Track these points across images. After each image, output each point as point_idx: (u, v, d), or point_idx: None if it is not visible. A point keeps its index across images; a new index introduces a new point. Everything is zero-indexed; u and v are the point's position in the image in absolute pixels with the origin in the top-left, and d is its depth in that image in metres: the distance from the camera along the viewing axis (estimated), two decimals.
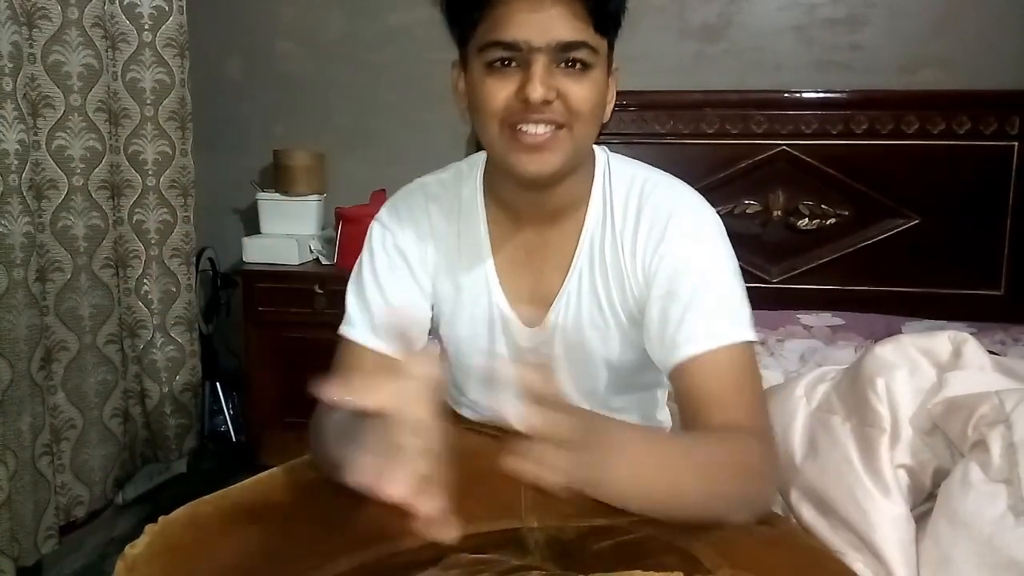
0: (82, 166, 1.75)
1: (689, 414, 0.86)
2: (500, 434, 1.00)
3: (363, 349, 0.93)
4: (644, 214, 0.89)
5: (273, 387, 2.14)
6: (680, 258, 0.87)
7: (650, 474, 0.74)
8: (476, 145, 2.08)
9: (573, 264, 0.92)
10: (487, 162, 0.95)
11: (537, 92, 0.79)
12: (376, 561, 0.89)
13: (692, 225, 0.89)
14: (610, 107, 0.89)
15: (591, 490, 0.69)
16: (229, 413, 2.32)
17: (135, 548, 0.83)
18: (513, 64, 0.81)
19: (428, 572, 0.94)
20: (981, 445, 0.79)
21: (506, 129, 0.82)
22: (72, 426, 1.77)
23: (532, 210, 0.92)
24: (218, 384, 2.31)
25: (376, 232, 0.96)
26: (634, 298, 0.90)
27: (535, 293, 0.94)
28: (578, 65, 0.81)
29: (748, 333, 0.85)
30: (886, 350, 0.93)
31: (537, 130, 0.81)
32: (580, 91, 0.82)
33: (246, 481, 0.95)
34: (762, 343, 1.81)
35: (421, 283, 0.95)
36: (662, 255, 0.88)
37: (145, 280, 1.94)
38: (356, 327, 0.94)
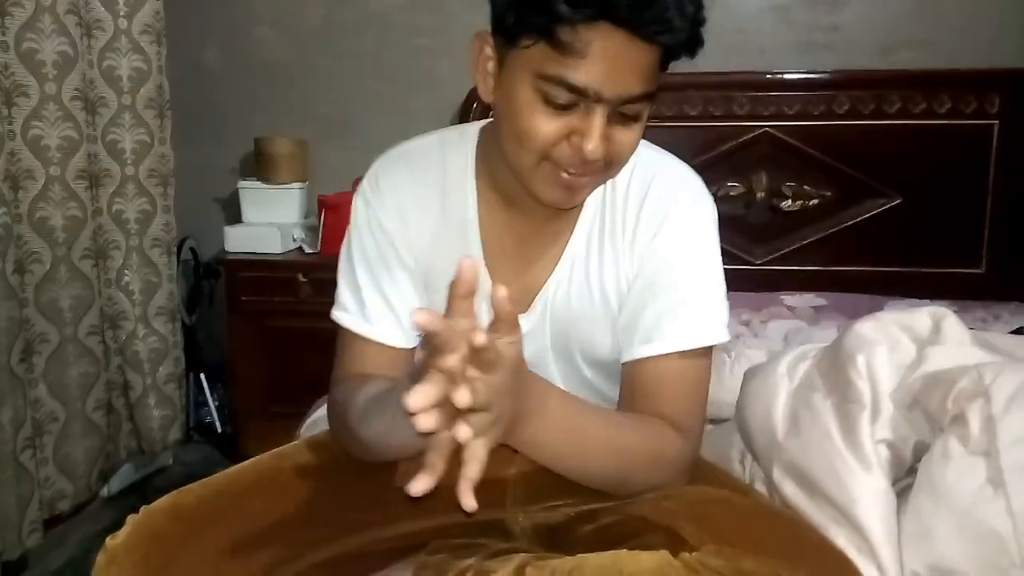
0: (59, 156, 1.73)
1: (628, 399, 0.88)
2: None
3: (355, 336, 0.91)
4: (648, 198, 0.87)
5: (258, 377, 2.13)
6: (671, 253, 0.86)
7: (560, 440, 0.77)
8: None
9: (566, 252, 0.90)
10: (486, 143, 0.90)
11: (597, 152, 0.76)
12: (360, 548, 0.89)
13: (690, 219, 0.88)
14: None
15: (502, 440, 0.70)
16: (214, 404, 2.31)
17: (116, 539, 0.82)
18: (573, 105, 0.75)
19: (414, 558, 0.94)
20: (960, 419, 0.80)
21: (546, 163, 0.79)
22: (54, 419, 1.75)
23: (530, 206, 0.87)
24: (202, 375, 2.30)
25: (360, 209, 0.92)
26: (627, 283, 0.89)
27: (524, 279, 0.91)
28: (632, 116, 0.78)
29: (720, 335, 0.86)
30: (866, 327, 0.94)
31: (579, 176, 0.79)
32: (627, 140, 0.79)
33: (229, 469, 0.94)
34: (745, 324, 1.82)
35: (407, 263, 0.91)
36: (655, 247, 0.87)
37: (126, 271, 1.93)
38: (349, 313, 0.91)
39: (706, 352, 0.88)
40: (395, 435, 0.75)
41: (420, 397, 0.58)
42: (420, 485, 0.64)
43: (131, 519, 0.84)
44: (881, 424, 0.85)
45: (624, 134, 0.78)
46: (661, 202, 0.87)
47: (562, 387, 0.93)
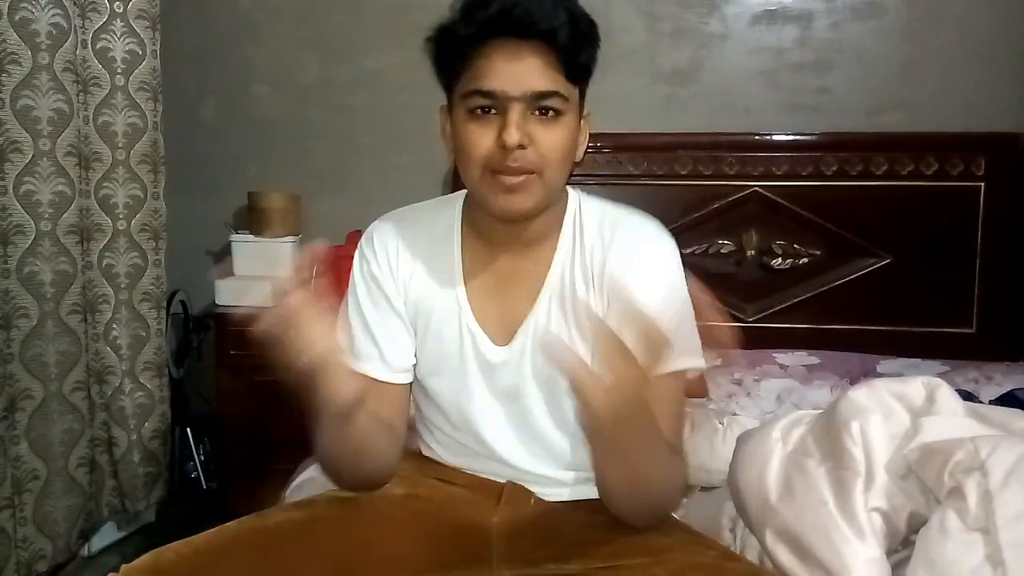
0: (50, 211, 1.73)
1: None
2: (468, 484, 1.01)
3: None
4: (615, 242, 0.96)
5: (246, 432, 2.10)
6: (642, 283, 0.90)
7: (630, 452, 0.82)
8: (453, 186, 2.09)
9: (543, 290, 0.97)
10: (468, 197, 1.01)
11: (512, 137, 0.86)
12: None
13: (658, 258, 0.96)
14: (582, 148, 0.97)
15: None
16: (200, 459, 2.27)
17: None
18: (492, 111, 0.88)
19: None
20: (957, 492, 0.79)
21: (487, 173, 0.89)
22: (35, 477, 1.71)
23: (507, 240, 0.97)
24: (188, 430, 2.26)
25: (356, 262, 1.02)
26: (601, 315, 0.93)
27: (504, 315, 0.98)
28: (550, 112, 0.89)
29: (697, 361, 0.93)
30: (860, 394, 0.93)
31: (514, 179, 0.89)
32: (551, 138, 0.89)
33: (211, 530, 0.93)
34: (738, 383, 1.81)
35: (398, 309, 0.99)
36: (629, 278, 0.93)
37: (114, 325, 1.91)
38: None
39: (681, 376, 0.92)
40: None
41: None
42: None
43: None
44: (875, 492, 0.84)
45: (546, 133, 0.89)
46: (627, 244, 0.96)
47: (542, 414, 0.98)
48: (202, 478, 2.25)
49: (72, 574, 1.83)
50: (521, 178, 0.89)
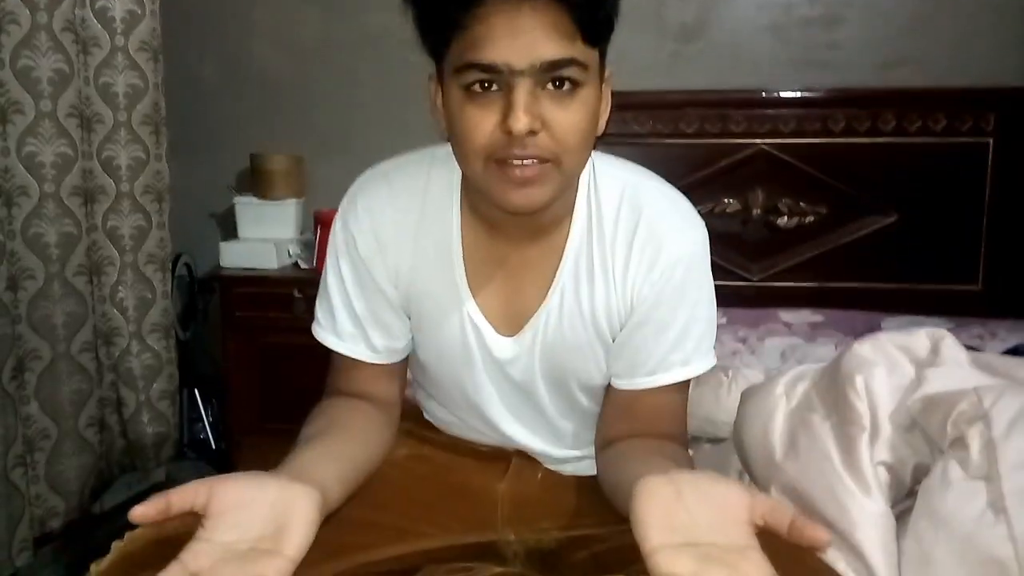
0: (53, 172, 1.72)
1: (623, 420, 0.88)
2: (474, 454, 0.99)
3: (332, 350, 0.92)
4: (639, 231, 0.84)
5: (253, 393, 2.12)
6: (669, 288, 0.85)
7: None
8: None
9: (555, 282, 0.87)
10: (464, 175, 0.86)
11: (520, 123, 0.70)
12: (352, 571, 0.87)
13: (686, 250, 0.85)
14: (605, 119, 0.81)
15: None
16: (208, 420, 2.29)
17: (100, 565, 0.81)
18: (494, 87, 0.72)
19: None
20: (960, 442, 0.79)
21: (491, 164, 0.74)
22: (46, 436, 1.74)
23: (512, 229, 0.85)
24: (197, 391, 2.28)
25: (338, 230, 0.90)
26: (619, 317, 0.87)
27: (513, 309, 0.89)
28: (566, 85, 0.73)
29: (709, 361, 0.87)
30: (864, 348, 0.93)
31: (524, 171, 0.73)
32: (568, 119, 0.73)
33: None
34: (742, 341, 1.81)
35: (387, 293, 0.89)
36: (652, 281, 0.84)
37: (120, 287, 1.91)
38: (323, 328, 0.92)
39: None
40: None
41: None
42: None
43: (115, 545, 0.82)
44: (880, 446, 0.84)
45: (562, 112, 0.73)
46: (653, 234, 0.84)
47: (549, 411, 0.94)
48: (211, 438, 2.28)
49: (84, 531, 1.86)
50: (534, 168, 0.73)
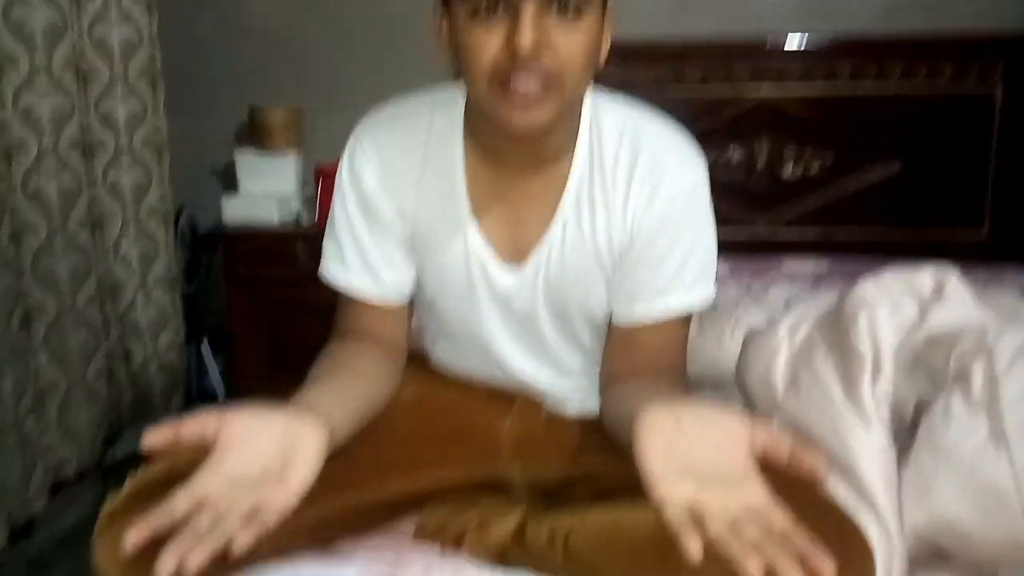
0: (51, 126, 1.72)
1: (622, 355, 0.90)
2: (479, 394, 1.00)
3: (341, 290, 0.94)
4: (639, 165, 0.86)
5: (259, 347, 2.14)
6: (668, 220, 0.86)
7: None
8: None
9: (558, 213, 0.88)
10: (469, 105, 0.90)
11: (526, 41, 0.73)
12: (359, 505, 0.89)
13: (685, 183, 0.87)
14: (605, 50, 0.84)
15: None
16: (216, 373, 2.31)
17: (115, 500, 0.83)
18: (500, 10, 0.75)
19: (414, 516, 0.95)
20: (963, 377, 0.80)
21: (495, 85, 0.77)
22: (56, 387, 1.76)
23: (516, 159, 0.88)
24: (204, 345, 2.30)
25: (344, 168, 0.93)
26: (619, 247, 0.89)
27: (516, 241, 0.91)
28: (571, 11, 0.75)
29: (708, 291, 0.89)
30: (868, 287, 0.93)
31: (528, 87, 0.76)
32: (572, 43, 0.76)
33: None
34: (746, 289, 1.81)
35: (393, 230, 0.92)
36: (651, 213, 0.86)
37: (123, 241, 1.92)
38: (330, 267, 0.94)
39: (691, 314, 0.91)
40: None
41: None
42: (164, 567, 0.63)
43: (130, 480, 0.84)
44: (882, 383, 0.85)
45: (566, 36, 0.75)
46: (653, 168, 0.86)
47: (552, 344, 0.95)
48: (219, 391, 2.30)
49: (97, 479, 1.89)
50: (536, 91, 0.76)
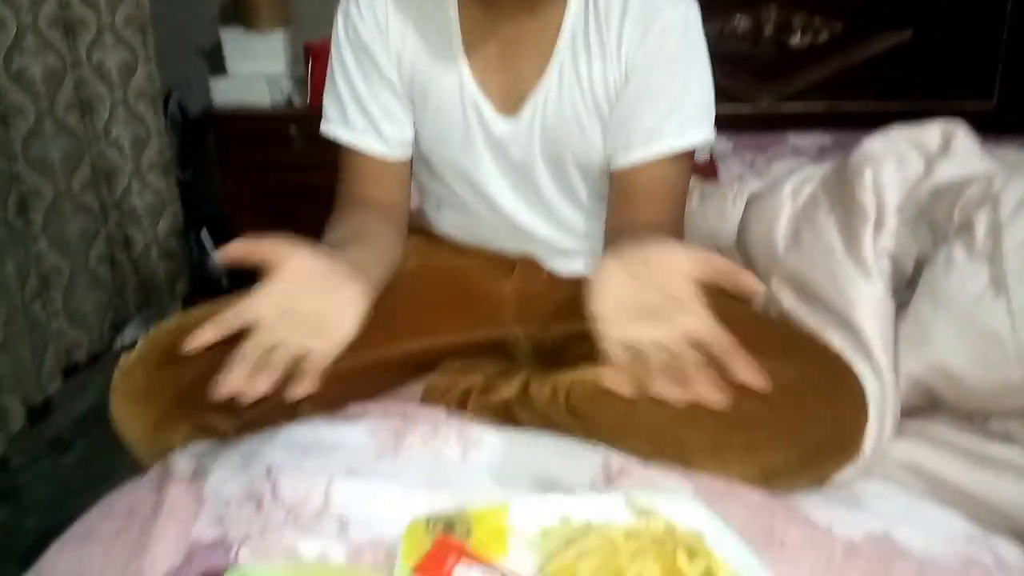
0: (28, 2, 1.64)
1: (620, 207, 0.90)
2: (481, 259, 1.02)
3: (345, 150, 0.94)
4: (631, 4, 0.86)
5: (259, 230, 2.12)
6: (660, 58, 0.86)
7: None
8: None
9: (554, 58, 0.88)
10: None
11: None
12: (367, 365, 0.91)
13: (677, 18, 0.86)
14: None
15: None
16: (218, 262, 2.31)
17: (130, 356, 0.85)
18: None
19: (422, 378, 0.97)
20: (966, 226, 0.79)
21: None
22: (59, 273, 1.77)
23: (508, 1, 0.87)
24: (203, 232, 2.29)
25: (340, 21, 0.92)
26: (615, 87, 0.88)
27: (511, 87, 0.90)
28: None
29: (706, 132, 0.87)
30: (875, 143, 0.91)
31: None
32: None
33: (235, 293, 0.96)
34: (750, 164, 1.79)
35: (390, 79, 0.91)
36: (645, 51, 0.86)
37: (113, 125, 1.88)
38: (332, 124, 0.94)
39: (691, 152, 0.89)
40: None
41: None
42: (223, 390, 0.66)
43: (142, 338, 0.87)
44: (884, 236, 0.85)
45: None
46: (645, 4, 0.85)
47: (550, 198, 0.95)
48: (223, 277, 2.31)
49: (109, 363, 1.93)
50: None
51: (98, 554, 0.67)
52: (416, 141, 0.96)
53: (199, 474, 0.75)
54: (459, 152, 0.94)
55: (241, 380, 0.66)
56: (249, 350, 0.67)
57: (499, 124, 0.91)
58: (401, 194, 0.97)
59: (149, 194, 1.96)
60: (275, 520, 0.70)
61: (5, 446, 1.57)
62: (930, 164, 0.89)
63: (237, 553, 0.67)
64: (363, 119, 0.92)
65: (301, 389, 0.67)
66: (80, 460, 1.67)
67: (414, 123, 0.95)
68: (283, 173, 2.04)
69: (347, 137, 0.93)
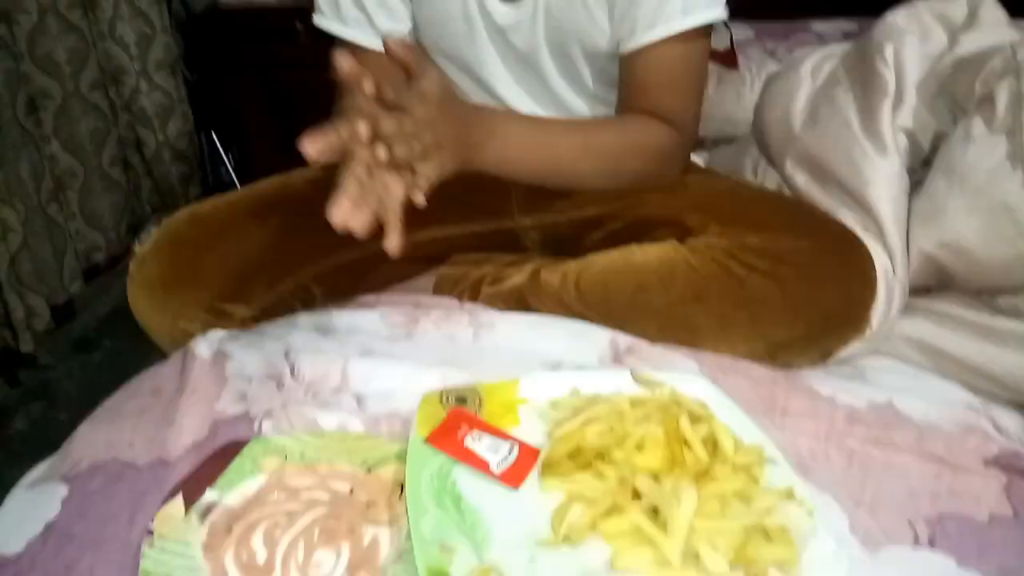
0: None
1: (626, 96, 0.87)
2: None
3: (338, 41, 0.91)
4: None
5: (269, 131, 2.11)
6: None
7: (528, 156, 0.79)
8: None
9: None
10: None
11: None
12: (378, 254, 0.92)
13: None
14: None
15: (469, 168, 0.73)
16: (230, 163, 2.31)
17: (144, 247, 0.87)
18: None
19: (433, 270, 0.99)
20: (987, 99, 0.77)
21: None
22: (73, 175, 1.78)
23: None
24: (214, 133, 2.27)
25: None
26: None
27: None
28: None
29: (716, 11, 0.82)
30: (898, 16, 0.88)
31: None
32: None
33: (242, 188, 0.97)
34: (770, 53, 1.73)
35: None
36: None
37: (117, 22, 1.84)
38: (326, 16, 0.91)
39: (705, 34, 0.85)
40: None
41: (315, 142, 0.62)
42: (336, 210, 0.64)
43: (154, 230, 0.88)
44: (903, 113, 0.83)
45: None
46: None
47: (556, 86, 0.92)
48: (235, 180, 2.31)
49: (127, 265, 1.96)
50: None
51: (126, 429, 0.70)
52: (415, 33, 0.93)
53: (220, 357, 0.78)
54: (460, 43, 0.90)
55: (350, 205, 0.63)
56: (388, 128, 0.62)
57: (501, 10, 0.87)
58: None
59: (158, 94, 1.94)
60: (295, 397, 0.73)
61: (32, 344, 1.62)
62: (954, 37, 0.85)
63: (260, 426, 0.70)
64: (357, 11, 0.88)
65: (393, 240, 0.66)
66: (107, 359, 1.73)
67: (412, 15, 0.91)
68: (290, 71, 2.00)
69: (340, 30, 0.90)
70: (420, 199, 0.68)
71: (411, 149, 0.65)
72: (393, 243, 0.66)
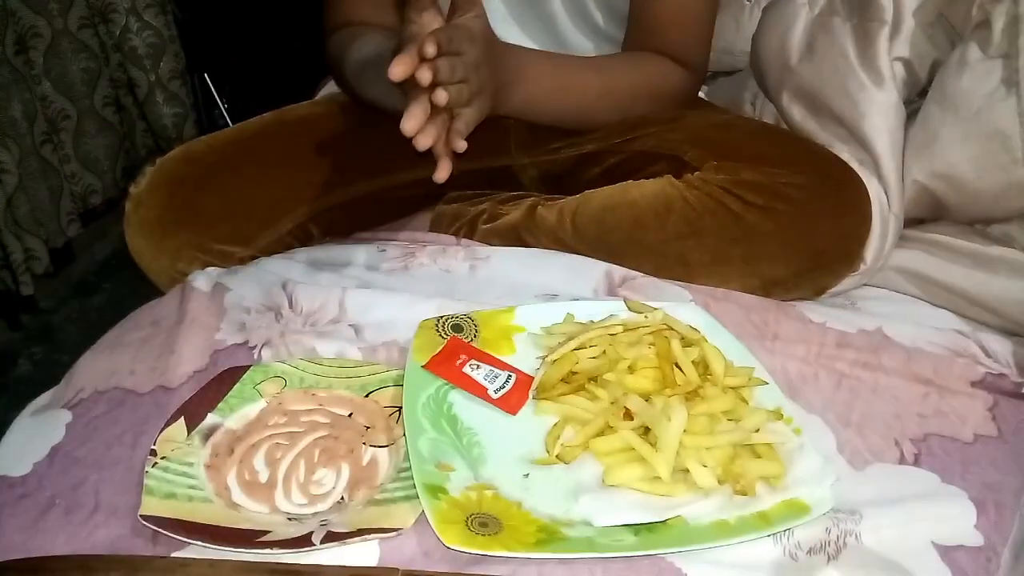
0: None
1: (634, 37, 0.87)
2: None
3: None
4: None
5: (261, 71, 2.08)
6: None
7: (550, 97, 0.81)
8: None
9: None
10: None
11: None
12: (373, 192, 0.92)
13: None
14: None
15: (497, 112, 0.74)
16: (224, 106, 2.28)
17: (138, 186, 0.86)
18: None
19: (430, 208, 0.98)
20: (984, 24, 0.76)
21: None
22: (66, 116, 1.76)
23: None
24: (207, 76, 2.24)
25: None
26: None
27: None
28: None
29: None
30: None
31: None
32: None
33: (236, 125, 0.96)
34: None
35: None
36: None
37: None
38: None
39: None
40: (392, 102, 0.75)
41: (400, 66, 0.60)
42: (410, 121, 0.64)
43: (147, 169, 0.87)
44: (900, 41, 0.82)
45: None
46: None
47: (562, 26, 0.91)
48: (229, 123, 2.29)
49: (124, 209, 1.96)
50: None
51: (127, 358, 0.71)
52: None
53: (219, 289, 0.79)
54: None
55: (424, 118, 0.63)
56: (445, 73, 0.62)
57: None
58: (388, 16, 0.92)
59: (148, 33, 1.91)
60: (293, 326, 0.74)
61: (32, 288, 1.63)
62: None
63: (259, 354, 0.71)
64: None
65: (443, 171, 0.68)
66: (107, 303, 1.74)
67: None
68: (282, 15, 1.96)
69: None
70: (461, 145, 0.67)
71: (460, 96, 0.65)
72: (444, 173, 0.68)
